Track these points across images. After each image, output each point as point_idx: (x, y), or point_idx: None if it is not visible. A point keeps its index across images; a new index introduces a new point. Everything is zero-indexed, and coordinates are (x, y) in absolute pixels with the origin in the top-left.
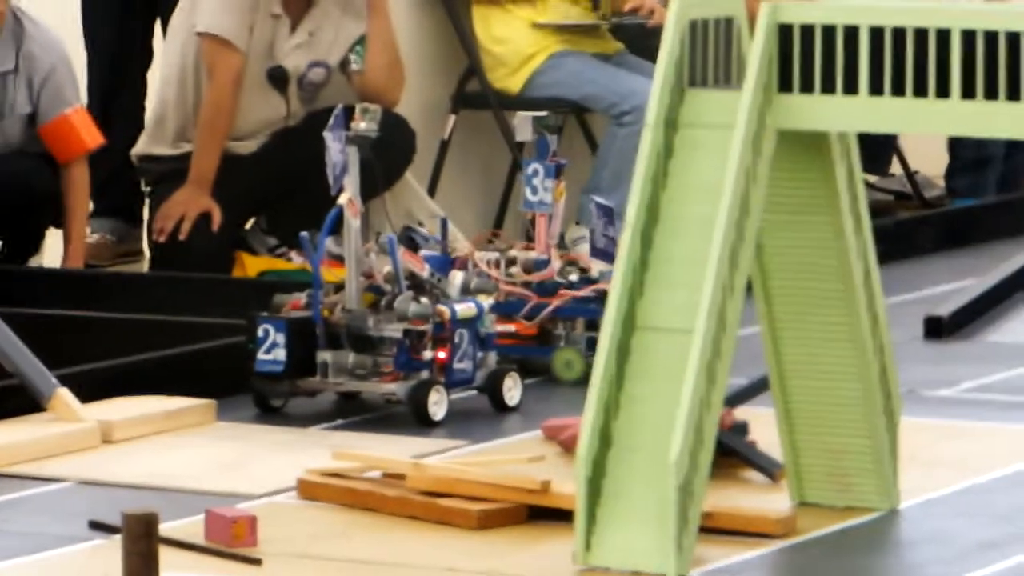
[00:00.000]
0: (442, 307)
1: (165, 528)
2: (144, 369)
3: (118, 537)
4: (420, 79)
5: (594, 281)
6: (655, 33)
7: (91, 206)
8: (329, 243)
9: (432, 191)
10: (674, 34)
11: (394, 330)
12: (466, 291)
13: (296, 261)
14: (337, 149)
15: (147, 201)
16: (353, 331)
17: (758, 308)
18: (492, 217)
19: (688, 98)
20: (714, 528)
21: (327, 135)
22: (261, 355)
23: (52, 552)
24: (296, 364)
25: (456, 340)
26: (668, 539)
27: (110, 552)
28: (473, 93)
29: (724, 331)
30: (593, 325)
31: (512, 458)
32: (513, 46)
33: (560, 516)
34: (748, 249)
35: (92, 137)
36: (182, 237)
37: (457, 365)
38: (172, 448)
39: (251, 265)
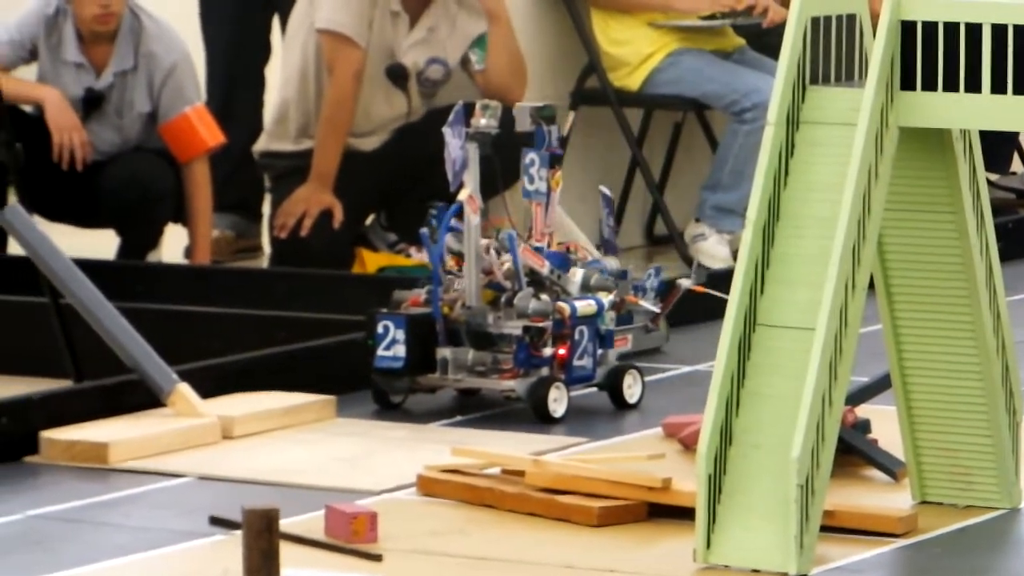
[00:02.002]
0: (562, 304)
1: (285, 524)
2: (264, 365)
3: (238, 533)
4: (540, 76)
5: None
6: (775, 28)
7: None
8: (449, 239)
9: None
10: (796, 31)
11: (514, 327)
12: (586, 288)
13: (415, 257)
14: (456, 145)
15: (268, 197)
16: (473, 328)
17: (880, 306)
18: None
19: (810, 95)
20: (835, 527)
21: (446, 131)
22: (381, 351)
23: (172, 547)
24: (416, 360)
25: (576, 337)
26: (789, 537)
27: (230, 548)
28: (592, 90)
29: (846, 329)
30: None
31: (632, 455)
32: (632, 47)
33: (680, 514)
34: (870, 247)
35: (213, 135)
36: (303, 233)
37: (577, 362)
38: (292, 444)
39: (371, 261)
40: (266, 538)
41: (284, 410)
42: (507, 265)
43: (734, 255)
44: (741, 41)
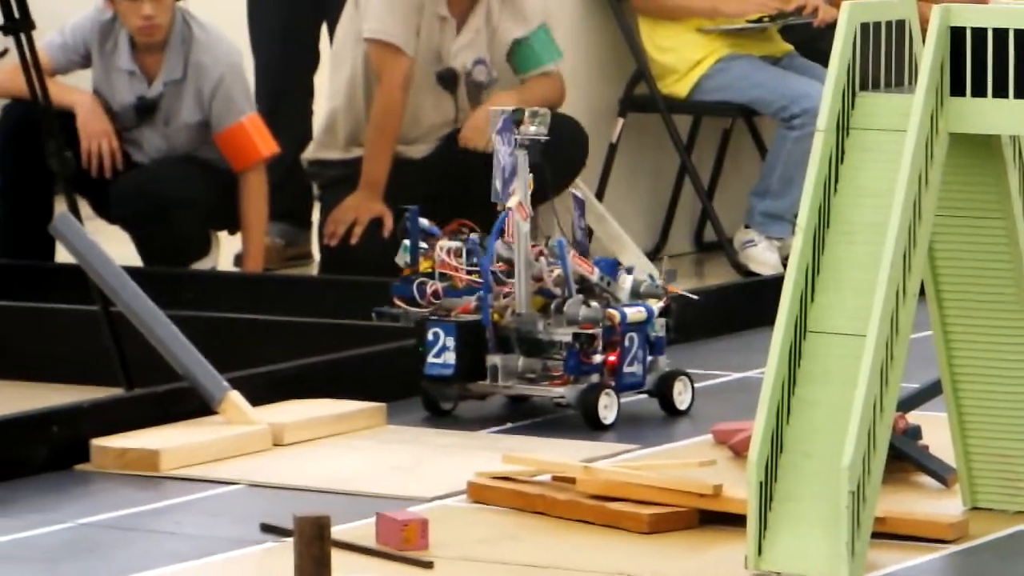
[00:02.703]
0: (612, 311)
1: (336, 531)
2: (315, 372)
3: (290, 540)
4: (588, 83)
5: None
6: (824, 34)
7: None
8: (499, 246)
9: (600, 194)
10: (846, 37)
11: (564, 334)
12: (636, 295)
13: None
14: (505, 152)
15: (317, 205)
16: (523, 335)
17: (931, 312)
18: (660, 219)
19: (860, 102)
20: (886, 533)
21: (495, 138)
22: (431, 358)
23: (224, 555)
24: (466, 367)
25: (626, 344)
26: (840, 544)
27: (282, 555)
28: (641, 97)
29: (896, 335)
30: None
31: (683, 462)
32: (680, 54)
33: (731, 521)
34: (920, 253)
35: (267, 145)
36: (353, 241)
37: (627, 369)
38: (343, 451)
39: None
40: (318, 545)
41: (335, 417)
42: (556, 272)
43: (783, 261)
44: (789, 47)
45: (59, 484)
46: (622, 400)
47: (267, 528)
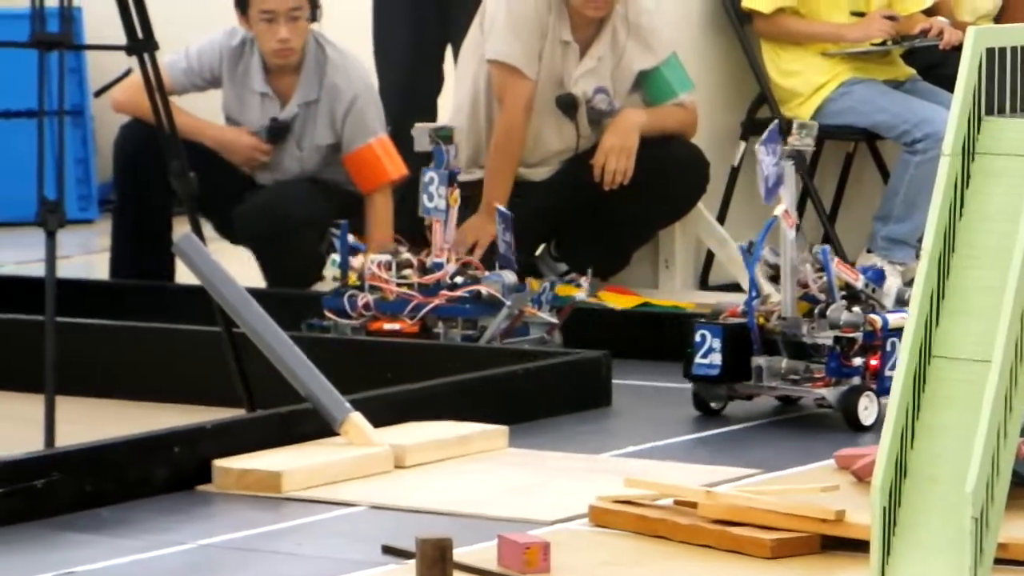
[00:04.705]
0: (874, 316)
1: (458, 553)
2: (436, 394)
3: (411, 562)
4: (711, 106)
5: (477, 282)
6: (945, 60)
7: None
8: (766, 253)
9: (722, 218)
10: (971, 62)
11: (826, 337)
12: (900, 302)
13: (584, 287)
14: (770, 162)
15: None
16: (788, 337)
17: None
18: None
19: (985, 126)
20: (1009, 559)
21: (760, 148)
22: (698, 359)
23: None
24: (731, 368)
25: (888, 348)
26: (964, 570)
27: None
28: (763, 120)
29: (1021, 361)
30: (471, 324)
31: (805, 487)
32: (803, 77)
33: (854, 546)
34: None
35: (396, 167)
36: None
37: (888, 372)
38: (464, 473)
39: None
40: (440, 567)
41: (456, 439)
42: (823, 278)
43: (907, 286)
44: (912, 71)
45: (180, 505)
46: (883, 403)
47: (388, 550)
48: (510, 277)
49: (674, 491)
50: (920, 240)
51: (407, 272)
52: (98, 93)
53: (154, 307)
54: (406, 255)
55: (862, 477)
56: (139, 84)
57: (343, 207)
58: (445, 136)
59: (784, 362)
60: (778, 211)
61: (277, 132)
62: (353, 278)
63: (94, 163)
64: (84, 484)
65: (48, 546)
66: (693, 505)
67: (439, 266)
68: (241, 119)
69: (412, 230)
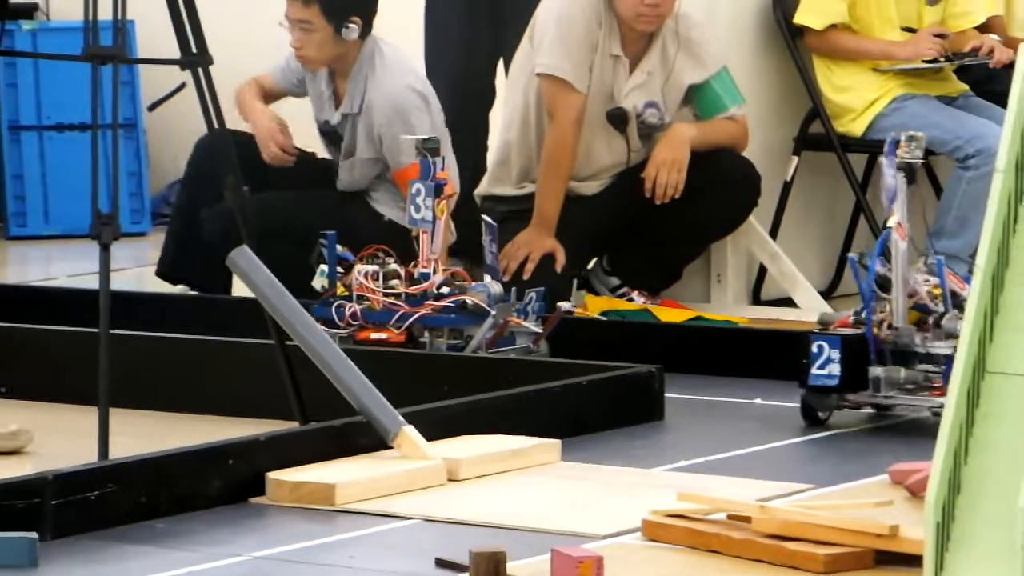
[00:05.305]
0: None
1: (511, 567)
2: (489, 407)
3: (465, 575)
4: (763, 121)
5: (464, 292)
6: (998, 76)
7: None
8: (878, 265)
9: (774, 232)
10: (1023, 78)
11: (942, 347)
12: None
13: (637, 301)
14: (890, 174)
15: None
16: (900, 347)
17: None
18: (834, 258)
19: None
20: None
21: (883, 160)
22: (815, 370)
23: None
24: (849, 378)
25: None
26: None
27: None
28: (816, 135)
29: None
30: (457, 333)
31: (859, 502)
32: (856, 93)
33: (908, 561)
34: None
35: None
36: (525, 277)
37: None
38: (517, 487)
39: (593, 305)
40: None
41: (509, 453)
42: (933, 288)
43: None
44: (965, 87)
45: (234, 517)
46: None
47: (442, 563)
48: (495, 287)
49: (728, 505)
50: (973, 256)
51: (394, 282)
52: (151, 107)
53: (207, 320)
54: (393, 266)
55: (916, 492)
56: (259, 86)
57: (366, 228)
58: (431, 148)
59: (903, 372)
60: (891, 222)
61: (328, 135)
62: (341, 288)
63: (146, 176)
64: (138, 496)
65: (102, 558)
66: (747, 520)
67: (426, 276)
68: (317, 116)
69: (466, 245)
